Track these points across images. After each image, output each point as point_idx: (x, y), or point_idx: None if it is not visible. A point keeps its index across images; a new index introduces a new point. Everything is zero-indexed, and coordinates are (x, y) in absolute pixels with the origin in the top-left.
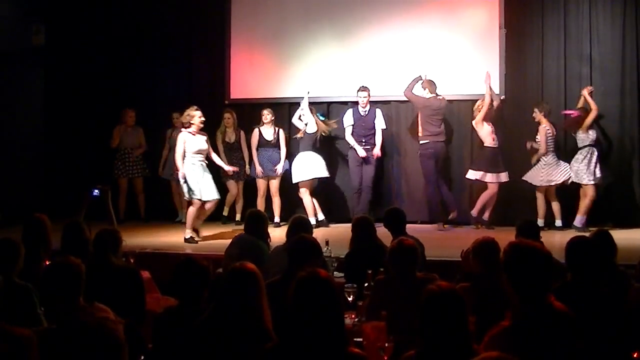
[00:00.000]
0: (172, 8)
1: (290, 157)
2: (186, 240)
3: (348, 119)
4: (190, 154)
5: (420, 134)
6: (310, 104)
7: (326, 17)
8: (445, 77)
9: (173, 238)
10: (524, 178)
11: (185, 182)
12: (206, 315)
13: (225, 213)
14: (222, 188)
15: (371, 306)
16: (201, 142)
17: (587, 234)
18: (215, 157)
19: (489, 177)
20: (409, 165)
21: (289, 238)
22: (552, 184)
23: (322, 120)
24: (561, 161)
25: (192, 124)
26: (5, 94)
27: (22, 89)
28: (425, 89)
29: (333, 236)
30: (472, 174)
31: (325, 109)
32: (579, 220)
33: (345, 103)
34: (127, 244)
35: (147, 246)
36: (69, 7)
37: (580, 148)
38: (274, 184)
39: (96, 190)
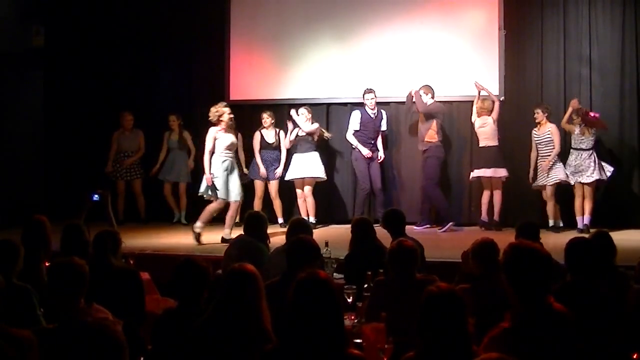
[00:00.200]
0: (171, 10)
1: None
2: (196, 234)
3: (355, 120)
4: (221, 151)
5: (435, 139)
6: (310, 105)
7: (326, 19)
8: (445, 79)
9: (172, 239)
10: (535, 186)
11: (212, 182)
12: (205, 317)
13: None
14: None
15: (371, 307)
16: (231, 138)
17: (586, 235)
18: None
19: (489, 172)
20: (409, 166)
21: (289, 239)
22: (557, 181)
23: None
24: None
25: (222, 120)
26: (5, 95)
27: (21, 90)
28: (427, 94)
29: (333, 237)
30: (475, 173)
31: (325, 110)
32: (584, 220)
33: (344, 104)
34: (127, 245)
35: (147, 247)
36: (69, 9)
37: (576, 149)
38: (274, 186)
39: (96, 195)
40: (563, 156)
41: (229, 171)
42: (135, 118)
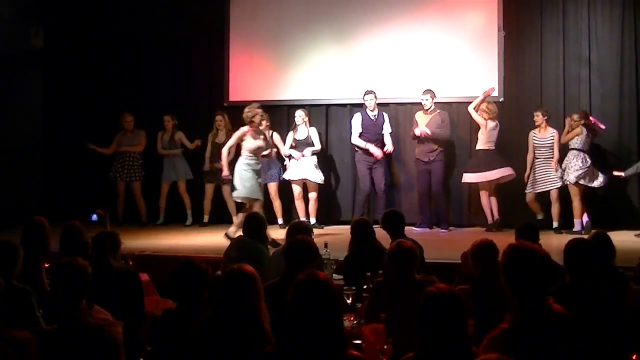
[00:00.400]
0: (171, 11)
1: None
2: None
3: (357, 122)
4: (246, 153)
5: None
6: (309, 106)
7: (325, 20)
8: (444, 80)
9: (172, 240)
10: (541, 190)
11: (231, 180)
12: (205, 318)
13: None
14: (219, 190)
15: (370, 309)
16: (257, 142)
17: (585, 236)
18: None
19: (485, 176)
20: (409, 167)
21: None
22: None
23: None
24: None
25: (253, 122)
26: (4, 97)
27: (21, 91)
28: (433, 98)
29: (332, 238)
30: (472, 177)
31: (325, 111)
32: (583, 222)
33: (344, 105)
34: (126, 246)
35: (146, 248)
36: (68, 10)
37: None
38: (273, 187)
39: (94, 215)
40: (562, 156)
41: (252, 173)
42: (135, 118)
